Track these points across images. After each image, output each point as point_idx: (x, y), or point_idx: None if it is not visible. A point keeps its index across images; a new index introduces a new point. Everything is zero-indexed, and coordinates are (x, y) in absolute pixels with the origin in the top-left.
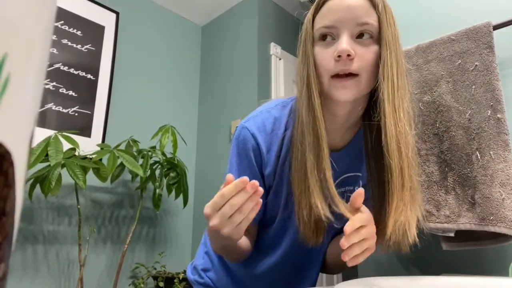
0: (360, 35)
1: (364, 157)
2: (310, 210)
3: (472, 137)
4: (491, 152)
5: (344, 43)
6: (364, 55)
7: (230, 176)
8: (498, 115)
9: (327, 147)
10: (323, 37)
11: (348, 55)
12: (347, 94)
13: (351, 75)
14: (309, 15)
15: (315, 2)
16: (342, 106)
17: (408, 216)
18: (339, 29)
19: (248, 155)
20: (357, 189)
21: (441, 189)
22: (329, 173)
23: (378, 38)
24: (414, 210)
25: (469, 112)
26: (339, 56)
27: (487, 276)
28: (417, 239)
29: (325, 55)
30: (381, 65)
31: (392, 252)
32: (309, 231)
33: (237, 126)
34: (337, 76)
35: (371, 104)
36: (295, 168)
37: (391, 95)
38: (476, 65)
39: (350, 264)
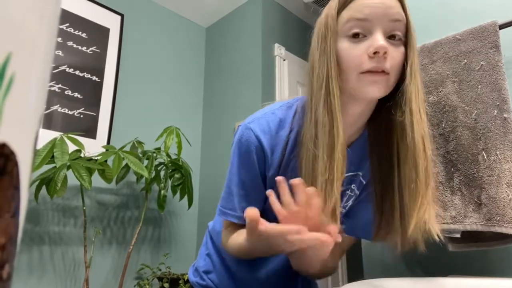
0: (391, 36)
1: (368, 157)
2: None
3: (478, 137)
4: (497, 152)
5: (381, 39)
6: (395, 55)
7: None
8: (504, 115)
9: (344, 149)
10: (353, 33)
11: (385, 53)
12: (377, 90)
13: (383, 72)
14: (331, 10)
15: None
16: (358, 105)
17: (431, 214)
18: (373, 24)
19: (251, 157)
20: (354, 187)
21: (447, 190)
22: (340, 176)
23: (404, 40)
24: (434, 208)
25: (475, 112)
26: (374, 53)
27: (494, 277)
28: (437, 236)
29: (356, 51)
30: (409, 66)
31: (404, 251)
32: None
33: (238, 126)
34: (369, 72)
35: (379, 105)
36: (306, 169)
37: (417, 96)
38: (482, 64)
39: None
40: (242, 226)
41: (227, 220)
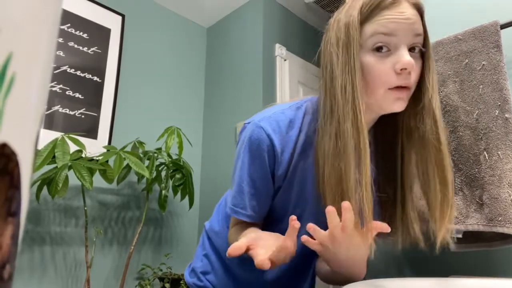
0: (411, 49)
1: (374, 155)
2: None
3: (480, 137)
4: (499, 152)
5: (407, 56)
6: (417, 69)
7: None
8: (506, 115)
9: (368, 164)
10: (378, 47)
11: (410, 69)
12: (401, 105)
13: (406, 88)
14: (353, 21)
15: (364, 8)
16: (374, 114)
17: (454, 209)
18: (399, 39)
19: (262, 156)
20: None
21: None
22: (369, 192)
23: (422, 52)
24: (454, 204)
25: (477, 112)
26: (401, 70)
27: (496, 277)
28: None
29: (383, 67)
30: (430, 78)
31: (405, 249)
32: None
33: (245, 124)
34: (396, 88)
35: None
36: (329, 180)
37: (438, 106)
38: (483, 64)
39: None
40: (251, 224)
41: (239, 218)
